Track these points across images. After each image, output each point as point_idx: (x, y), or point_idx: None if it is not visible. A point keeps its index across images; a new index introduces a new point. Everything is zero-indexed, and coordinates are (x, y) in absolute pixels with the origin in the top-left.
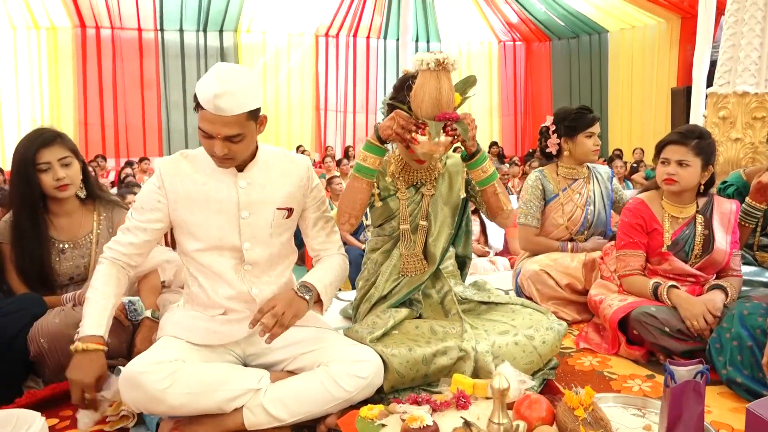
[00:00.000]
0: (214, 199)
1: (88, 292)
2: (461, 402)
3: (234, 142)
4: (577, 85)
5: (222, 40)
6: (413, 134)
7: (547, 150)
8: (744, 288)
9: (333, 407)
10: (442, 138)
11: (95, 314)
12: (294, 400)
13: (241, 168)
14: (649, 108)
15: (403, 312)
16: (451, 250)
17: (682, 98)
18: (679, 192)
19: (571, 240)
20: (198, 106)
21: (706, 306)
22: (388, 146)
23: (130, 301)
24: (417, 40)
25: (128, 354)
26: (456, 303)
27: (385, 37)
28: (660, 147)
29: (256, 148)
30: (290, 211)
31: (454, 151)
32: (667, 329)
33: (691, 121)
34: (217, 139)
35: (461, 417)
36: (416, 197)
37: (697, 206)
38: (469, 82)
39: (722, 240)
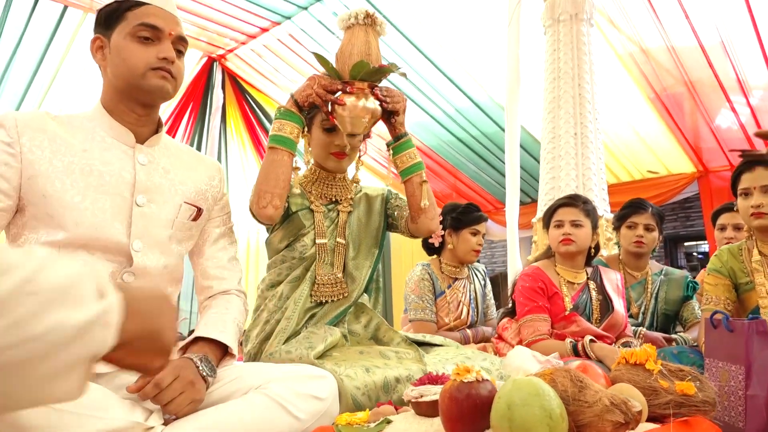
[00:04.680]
0: (97, 172)
1: None
2: None
3: (180, 52)
4: None
5: None
6: (338, 95)
7: (430, 240)
8: None
9: None
10: (370, 102)
11: None
12: None
13: (141, 138)
14: None
15: (338, 332)
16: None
17: None
18: (574, 253)
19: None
20: (124, 8)
21: None
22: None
23: None
24: None
25: None
26: (395, 332)
27: None
28: (550, 213)
29: (159, 120)
30: (199, 211)
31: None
32: None
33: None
34: (166, 39)
35: None
36: (332, 214)
37: (587, 274)
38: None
39: (618, 304)
